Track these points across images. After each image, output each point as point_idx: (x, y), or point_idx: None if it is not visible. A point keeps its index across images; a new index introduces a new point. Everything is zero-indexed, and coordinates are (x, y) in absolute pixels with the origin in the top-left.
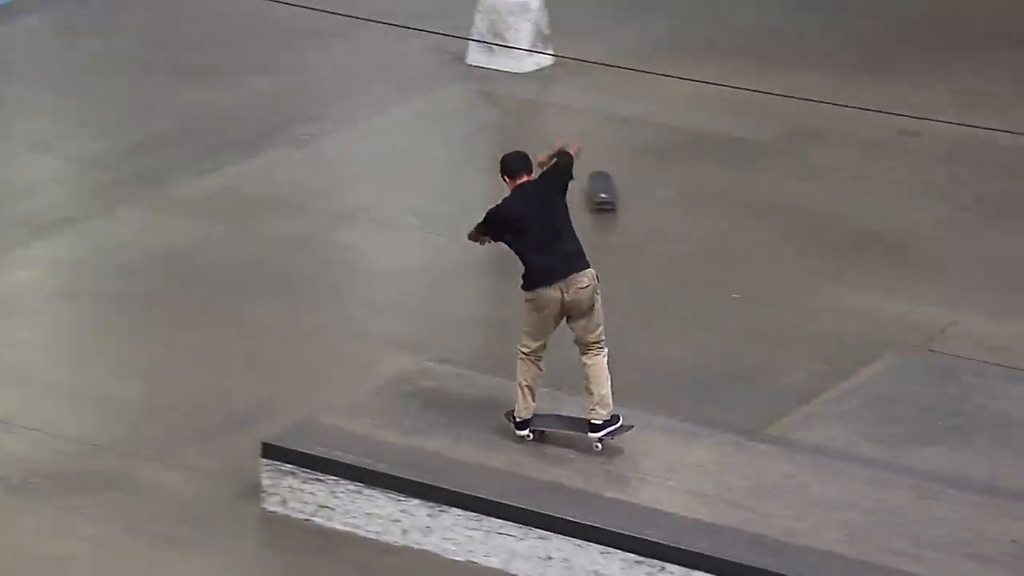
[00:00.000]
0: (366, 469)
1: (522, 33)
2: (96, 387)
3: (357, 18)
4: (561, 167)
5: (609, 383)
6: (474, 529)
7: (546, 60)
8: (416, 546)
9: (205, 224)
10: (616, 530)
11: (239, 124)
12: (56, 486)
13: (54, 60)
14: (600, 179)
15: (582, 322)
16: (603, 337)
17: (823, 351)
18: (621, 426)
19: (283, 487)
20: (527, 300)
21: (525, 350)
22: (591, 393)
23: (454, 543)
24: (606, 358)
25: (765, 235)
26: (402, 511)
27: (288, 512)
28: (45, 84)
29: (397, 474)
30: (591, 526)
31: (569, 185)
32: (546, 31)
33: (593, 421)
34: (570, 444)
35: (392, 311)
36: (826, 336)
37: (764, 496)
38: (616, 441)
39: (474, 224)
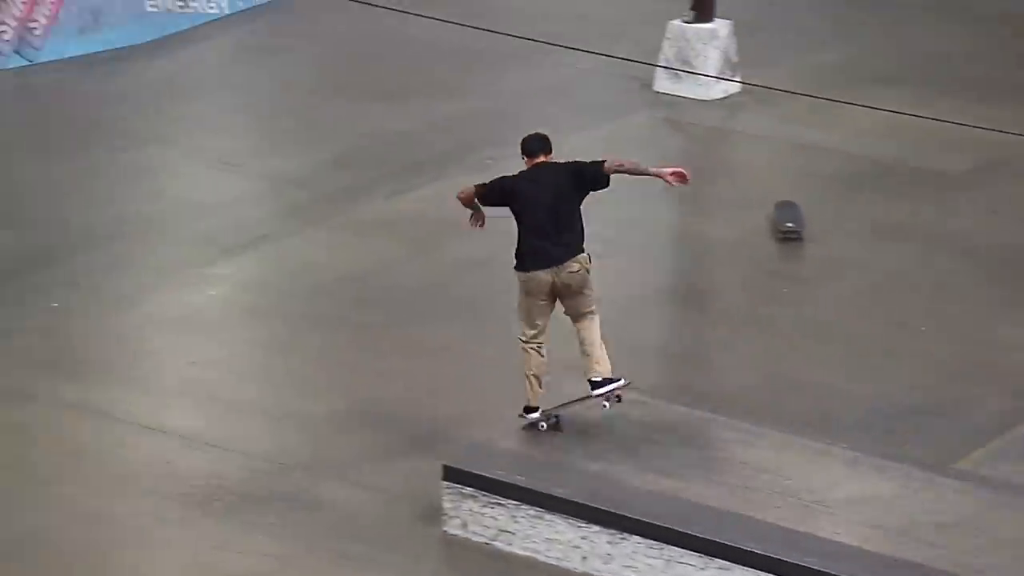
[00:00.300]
0: (547, 494)
1: (710, 60)
2: (281, 405)
3: (545, 43)
4: (592, 168)
5: (604, 347)
6: (654, 558)
7: (734, 88)
8: (596, 573)
9: (390, 245)
10: (798, 563)
11: (425, 147)
12: (240, 502)
13: (244, 80)
14: (787, 208)
15: (574, 301)
16: (594, 306)
17: (1013, 386)
18: (622, 383)
19: (464, 510)
20: (520, 281)
21: (523, 338)
22: (588, 355)
23: (634, 571)
24: (598, 323)
25: (953, 267)
26: (583, 537)
27: (468, 535)
28: (235, 103)
29: (578, 500)
30: (772, 558)
31: (598, 192)
32: (734, 58)
33: (592, 378)
34: (752, 476)
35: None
36: (1016, 370)
37: (951, 533)
38: (800, 473)
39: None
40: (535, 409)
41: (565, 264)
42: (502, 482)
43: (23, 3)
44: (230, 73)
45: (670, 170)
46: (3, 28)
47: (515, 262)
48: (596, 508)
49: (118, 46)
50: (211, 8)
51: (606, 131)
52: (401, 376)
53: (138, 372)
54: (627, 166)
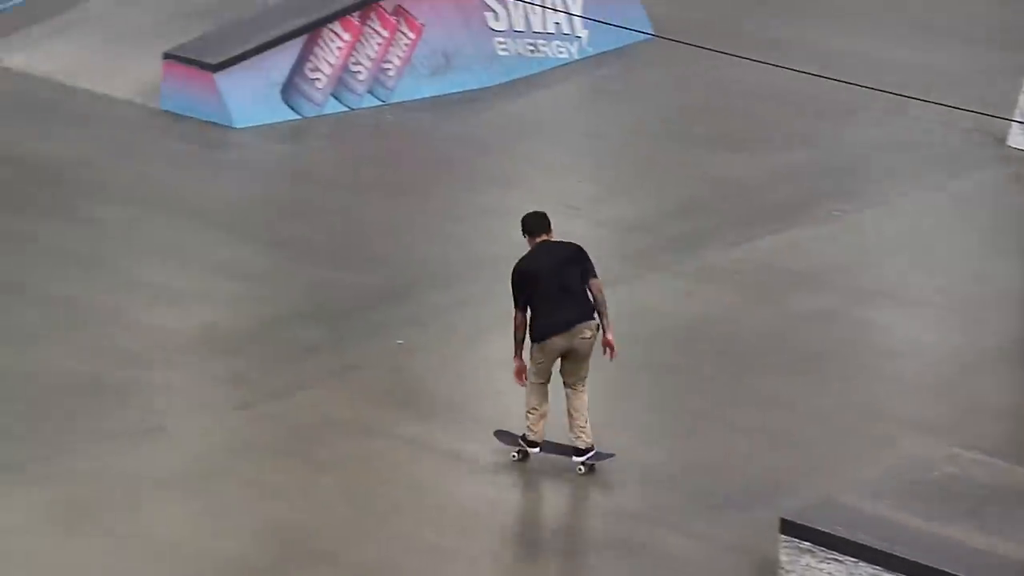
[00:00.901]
0: (887, 553)
1: None
2: (618, 452)
3: (892, 94)
4: (590, 265)
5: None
6: None
7: None
8: None
9: (731, 294)
10: None
11: (769, 196)
12: (575, 546)
13: (591, 124)
14: None
15: (575, 365)
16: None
17: None
18: (598, 454)
19: (800, 564)
20: (538, 349)
21: (537, 382)
22: (575, 421)
23: None
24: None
25: None
26: None
27: None
28: (580, 148)
29: (918, 560)
30: None
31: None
32: None
33: (579, 447)
34: None
35: (915, 391)
36: None
37: None
38: None
39: None
40: (536, 444)
41: (579, 328)
42: (841, 538)
43: (378, 44)
44: (577, 117)
45: (611, 336)
46: (358, 69)
47: (531, 334)
48: (935, 569)
49: (468, 88)
50: (561, 53)
51: (952, 187)
52: (736, 425)
53: (481, 412)
54: (599, 299)
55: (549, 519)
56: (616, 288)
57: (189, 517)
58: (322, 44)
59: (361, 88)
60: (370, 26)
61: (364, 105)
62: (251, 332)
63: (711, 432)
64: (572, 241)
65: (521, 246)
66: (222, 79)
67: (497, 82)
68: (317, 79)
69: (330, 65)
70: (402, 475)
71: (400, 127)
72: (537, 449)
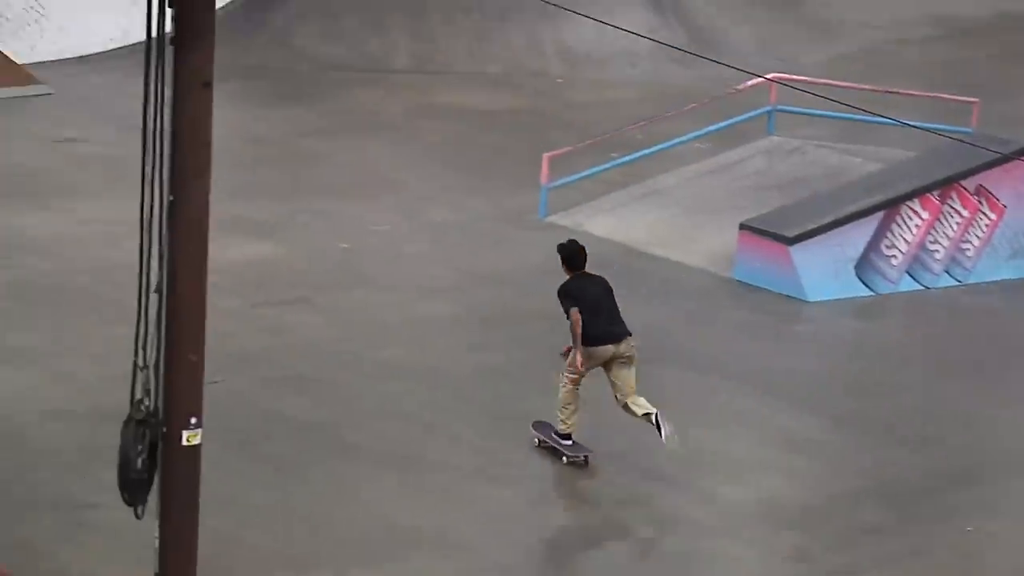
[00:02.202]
0: None
1: None
2: None
3: None
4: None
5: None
6: None
7: None
8: None
9: None
10: None
11: None
12: None
13: None
14: None
15: (624, 371)
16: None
17: None
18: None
19: None
20: (586, 354)
21: (573, 379)
22: (635, 413)
23: None
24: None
25: None
26: None
27: None
28: None
29: None
30: None
31: None
32: None
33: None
34: None
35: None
36: None
37: None
38: None
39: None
40: (570, 436)
41: (626, 340)
42: None
43: (957, 224)
44: None
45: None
46: (935, 247)
47: (583, 340)
48: None
49: None
50: None
51: None
52: None
53: None
54: (575, 330)
55: None
56: None
57: None
58: (900, 221)
59: (938, 267)
60: (950, 205)
61: (940, 284)
62: (813, 507)
63: None
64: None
65: None
66: (797, 252)
67: None
68: (893, 256)
69: (907, 243)
70: None
71: (977, 309)
72: (570, 442)
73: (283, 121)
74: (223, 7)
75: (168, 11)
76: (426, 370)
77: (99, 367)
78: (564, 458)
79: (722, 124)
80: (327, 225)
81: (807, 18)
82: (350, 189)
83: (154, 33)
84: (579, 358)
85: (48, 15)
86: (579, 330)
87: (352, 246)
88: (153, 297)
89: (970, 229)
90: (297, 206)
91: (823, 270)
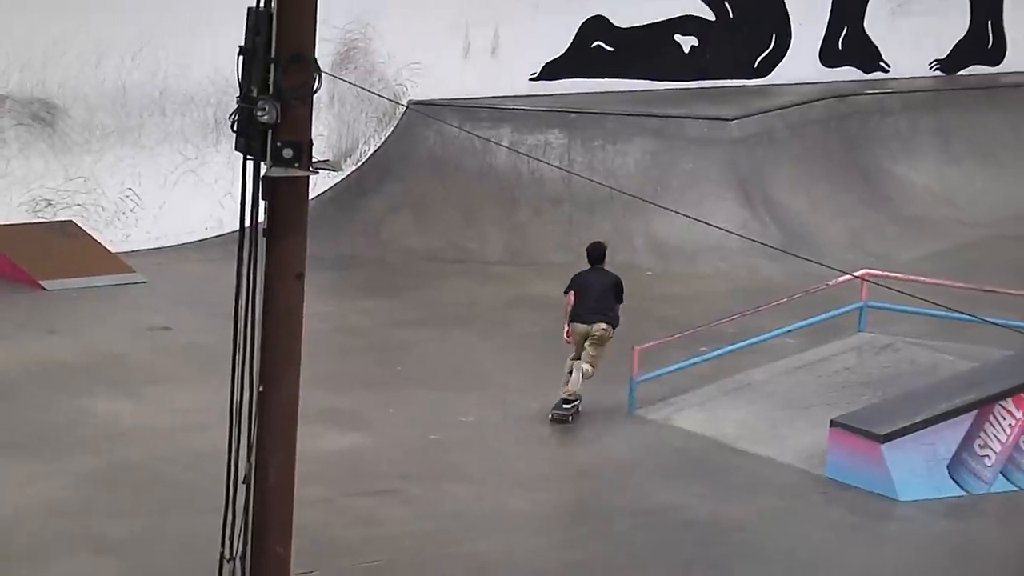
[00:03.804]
0: None
1: None
2: None
3: None
4: (621, 289)
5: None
6: None
7: None
8: None
9: None
10: None
11: None
12: None
13: None
14: None
15: (590, 348)
16: (598, 360)
17: None
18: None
19: None
20: (570, 327)
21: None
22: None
23: None
24: (587, 369)
25: None
26: None
27: None
28: None
29: None
30: None
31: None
32: None
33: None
34: None
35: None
36: None
37: None
38: None
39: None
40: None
41: (596, 323)
42: None
43: (1009, 427)
44: None
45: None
46: (986, 453)
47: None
48: None
49: None
50: None
51: None
52: None
53: None
54: (565, 309)
55: None
56: None
57: None
58: (993, 420)
59: (988, 473)
60: None
61: (995, 489)
62: None
63: None
64: (614, 272)
65: None
66: (889, 450)
67: None
68: (986, 456)
69: (1000, 443)
70: None
71: None
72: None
73: (374, 311)
74: (316, 196)
75: (262, 203)
76: (512, 567)
77: (186, 557)
78: (550, 415)
79: (813, 320)
80: (417, 415)
81: (900, 215)
82: (440, 379)
83: (247, 224)
84: (566, 328)
85: (143, 204)
86: (568, 309)
87: (441, 437)
88: (241, 487)
89: None
90: (387, 396)
91: (915, 469)
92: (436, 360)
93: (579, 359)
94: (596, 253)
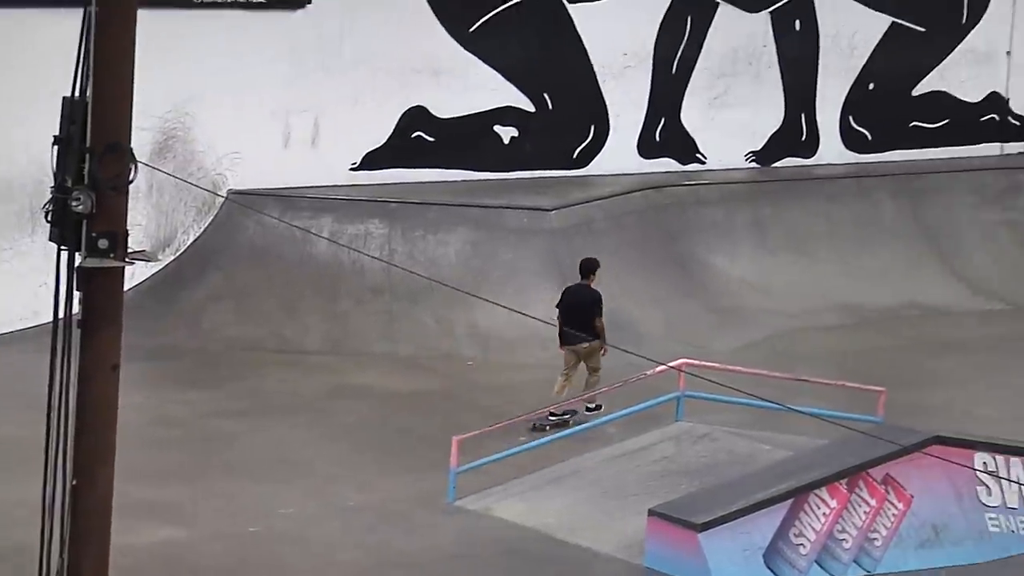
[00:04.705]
0: None
1: None
2: None
3: None
4: (599, 308)
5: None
6: None
7: None
8: None
9: None
10: None
11: None
12: None
13: None
14: None
15: (586, 361)
16: (597, 369)
17: None
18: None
19: None
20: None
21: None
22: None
23: None
24: (592, 380)
25: None
26: None
27: None
28: None
29: None
30: None
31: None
32: None
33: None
34: None
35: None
36: None
37: None
38: None
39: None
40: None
41: (579, 344)
42: None
43: (865, 513)
44: None
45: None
46: (844, 537)
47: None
48: None
49: (957, 563)
50: None
51: None
52: None
53: None
54: (602, 335)
55: None
56: None
57: None
58: (808, 510)
59: (846, 557)
60: (858, 494)
61: (848, 575)
62: None
63: None
64: (596, 291)
65: None
66: (706, 539)
67: (988, 559)
68: (801, 545)
69: (815, 531)
70: None
71: None
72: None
73: (195, 402)
74: (133, 286)
75: (76, 294)
76: None
77: None
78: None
79: (631, 409)
80: (236, 507)
81: (717, 304)
82: (260, 471)
83: (61, 315)
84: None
85: None
86: (558, 328)
87: (261, 529)
88: None
89: (878, 519)
90: (205, 488)
91: (732, 558)
92: (257, 451)
93: (569, 374)
94: (585, 267)
